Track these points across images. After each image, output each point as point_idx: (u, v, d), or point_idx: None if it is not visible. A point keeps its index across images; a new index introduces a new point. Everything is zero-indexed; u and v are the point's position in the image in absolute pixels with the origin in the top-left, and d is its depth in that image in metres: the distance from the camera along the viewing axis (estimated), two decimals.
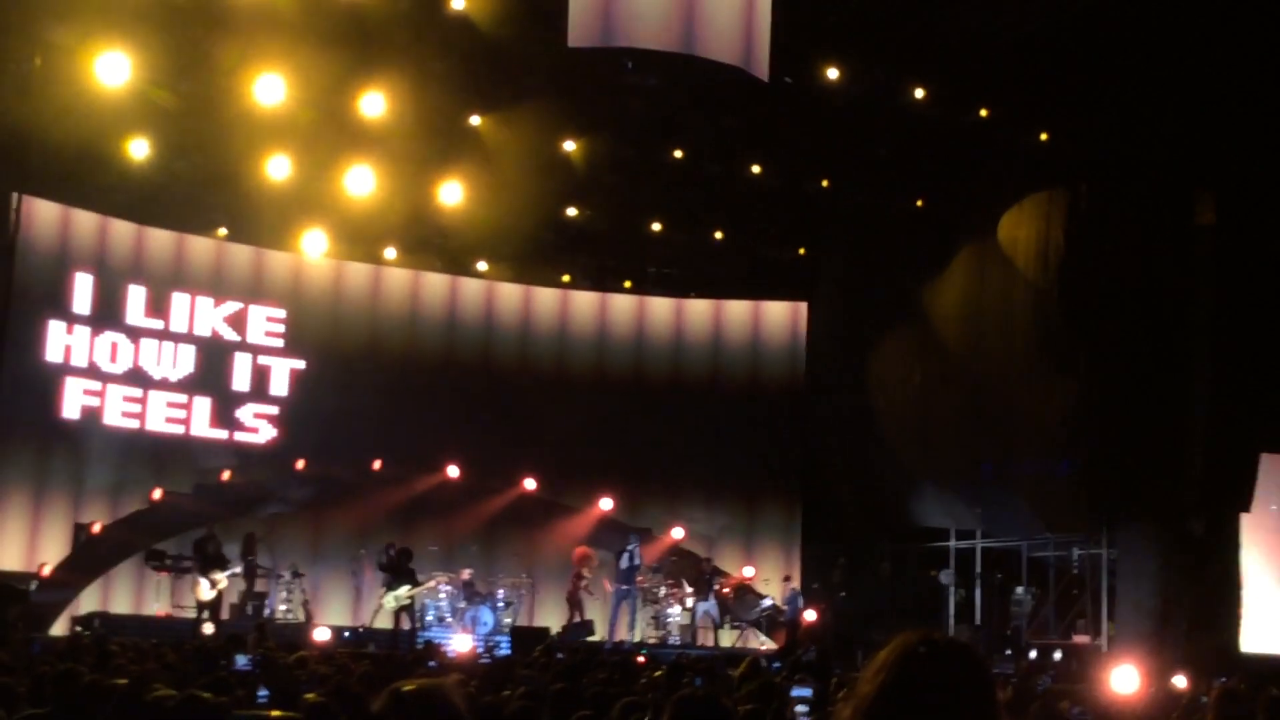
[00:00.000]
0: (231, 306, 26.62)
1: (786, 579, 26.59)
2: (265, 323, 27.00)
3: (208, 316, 26.41)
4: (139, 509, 24.56)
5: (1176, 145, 22.50)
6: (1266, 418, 22.32)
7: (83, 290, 24.96)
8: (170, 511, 24.51)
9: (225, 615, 22.81)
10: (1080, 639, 23.81)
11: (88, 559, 23.47)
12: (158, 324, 25.83)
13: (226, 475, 25.28)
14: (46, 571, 22.55)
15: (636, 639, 24.51)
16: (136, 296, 25.59)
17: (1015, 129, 24.94)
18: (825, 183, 27.06)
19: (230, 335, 26.59)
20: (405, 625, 23.13)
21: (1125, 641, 21.76)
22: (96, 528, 23.77)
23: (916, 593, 26.86)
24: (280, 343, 27.07)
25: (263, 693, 10.08)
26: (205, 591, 22.40)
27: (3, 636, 15.73)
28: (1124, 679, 13.42)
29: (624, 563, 24.66)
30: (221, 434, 26.25)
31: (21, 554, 23.52)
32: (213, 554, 22.80)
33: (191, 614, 22.17)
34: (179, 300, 26.03)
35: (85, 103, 21.68)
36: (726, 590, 25.82)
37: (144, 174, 23.93)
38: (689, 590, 25.68)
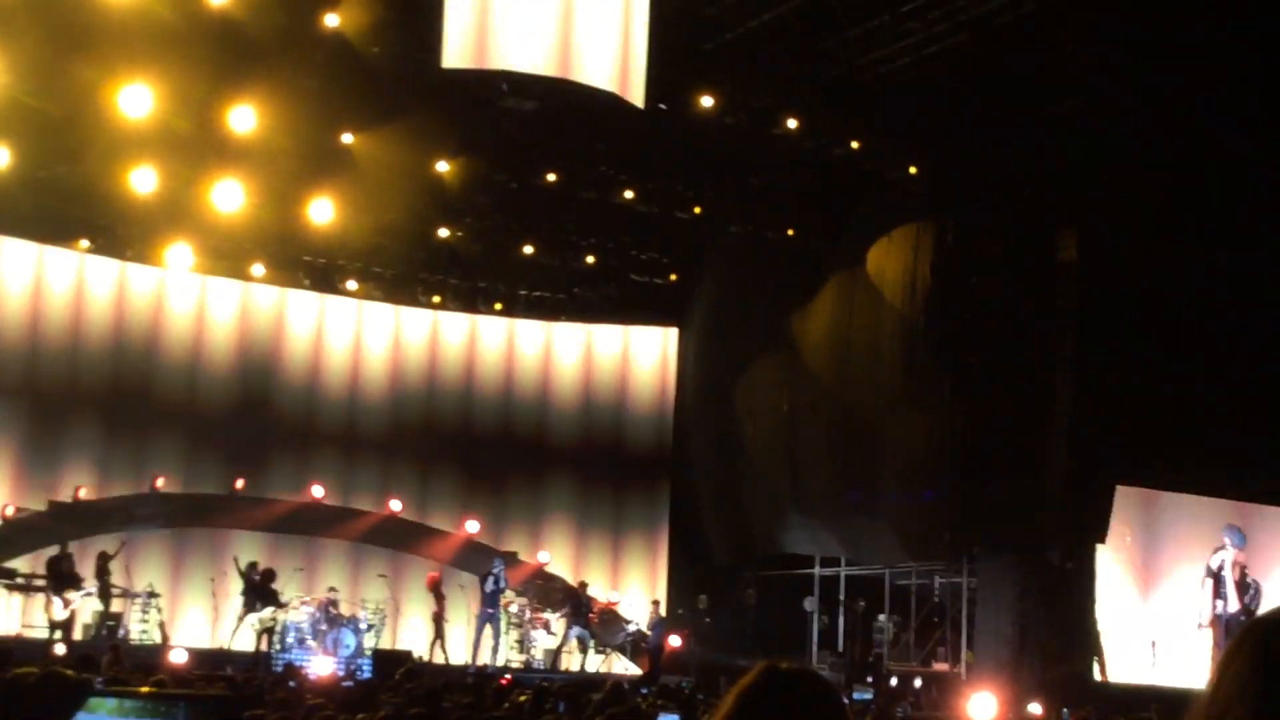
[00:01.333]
0: None
1: (655, 603, 26.61)
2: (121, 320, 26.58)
3: None
4: None
5: (1040, 182, 22.97)
6: (1123, 450, 22.83)
7: None
8: (23, 528, 23.89)
9: (78, 636, 22.26)
10: (940, 666, 24.10)
11: None
12: None
13: (82, 492, 24.70)
14: None
15: (500, 663, 24.37)
16: None
17: (885, 162, 25.31)
18: (698, 210, 27.20)
19: None
20: (265, 647, 22.77)
21: (984, 669, 22.05)
22: None
23: (781, 619, 26.98)
24: None
25: None
26: (58, 611, 21.85)
27: None
28: (981, 706, 13.61)
29: (489, 585, 24.50)
30: None
31: None
32: (66, 572, 22.25)
33: (43, 634, 21.60)
34: None
35: None
36: (593, 615, 25.79)
37: (4, 183, 23.33)
38: (554, 615, 25.63)
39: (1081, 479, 22.67)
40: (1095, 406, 22.63)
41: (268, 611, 22.84)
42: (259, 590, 22.99)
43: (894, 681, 23.26)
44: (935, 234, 24.07)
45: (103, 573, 23.08)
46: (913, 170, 25.34)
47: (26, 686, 1.55)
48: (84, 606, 22.79)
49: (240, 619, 23.05)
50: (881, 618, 25.79)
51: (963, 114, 22.78)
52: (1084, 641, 22.50)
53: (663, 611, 26.26)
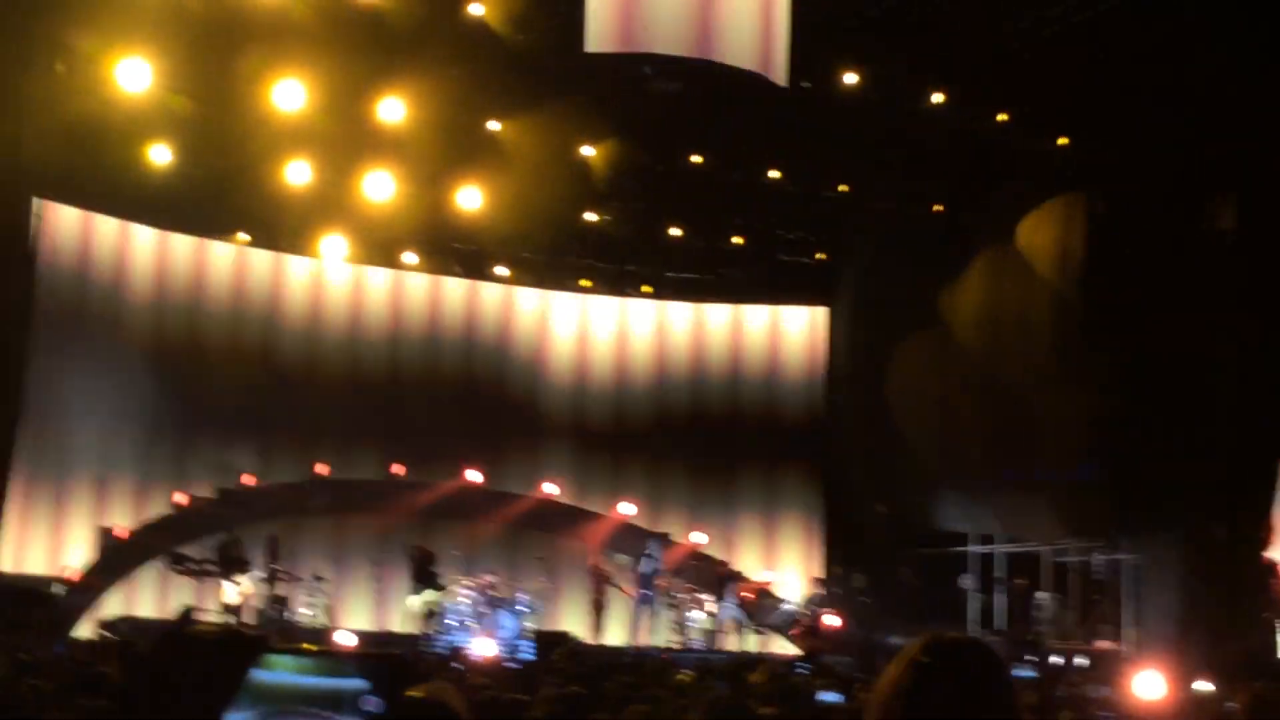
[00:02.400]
0: None
1: (816, 580, 26.41)
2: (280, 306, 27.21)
3: None
4: (163, 513, 24.64)
5: (1195, 149, 22.41)
6: None
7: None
8: (194, 515, 24.58)
9: (248, 619, 22.85)
10: (1103, 644, 23.68)
11: (112, 563, 23.54)
12: None
13: (248, 479, 25.32)
14: (71, 575, 22.62)
15: (657, 644, 24.50)
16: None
17: (1035, 134, 24.87)
18: (845, 188, 27.01)
19: None
20: (427, 629, 23.17)
21: (1149, 647, 21.66)
22: (121, 531, 23.85)
23: (938, 597, 26.73)
24: None
25: None
26: (229, 595, 22.46)
27: (26, 637, 15.78)
28: (1149, 684, 13.36)
29: (644, 567, 24.65)
30: None
31: (46, 558, 23.60)
32: (236, 558, 22.87)
33: (215, 618, 22.21)
34: None
35: (106, 109, 21.79)
36: (748, 595, 25.79)
37: (165, 179, 23.98)
38: (709, 595, 25.68)
39: (1246, 452, 22.12)
40: (1260, 377, 22.06)
41: (429, 595, 23.22)
42: (418, 574, 23.38)
43: (1056, 660, 22.93)
44: (1086, 205, 23.65)
45: (272, 556, 23.63)
46: (1062, 141, 24.89)
47: (206, 641, 1.63)
48: (254, 591, 23.36)
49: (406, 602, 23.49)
50: (1041, 595, 25.44)
51: (1112, 81, 22.32)
52: (1256, 618, 21.97)
53: (820, 590, 26.12)
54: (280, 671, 1.89)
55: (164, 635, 1.75)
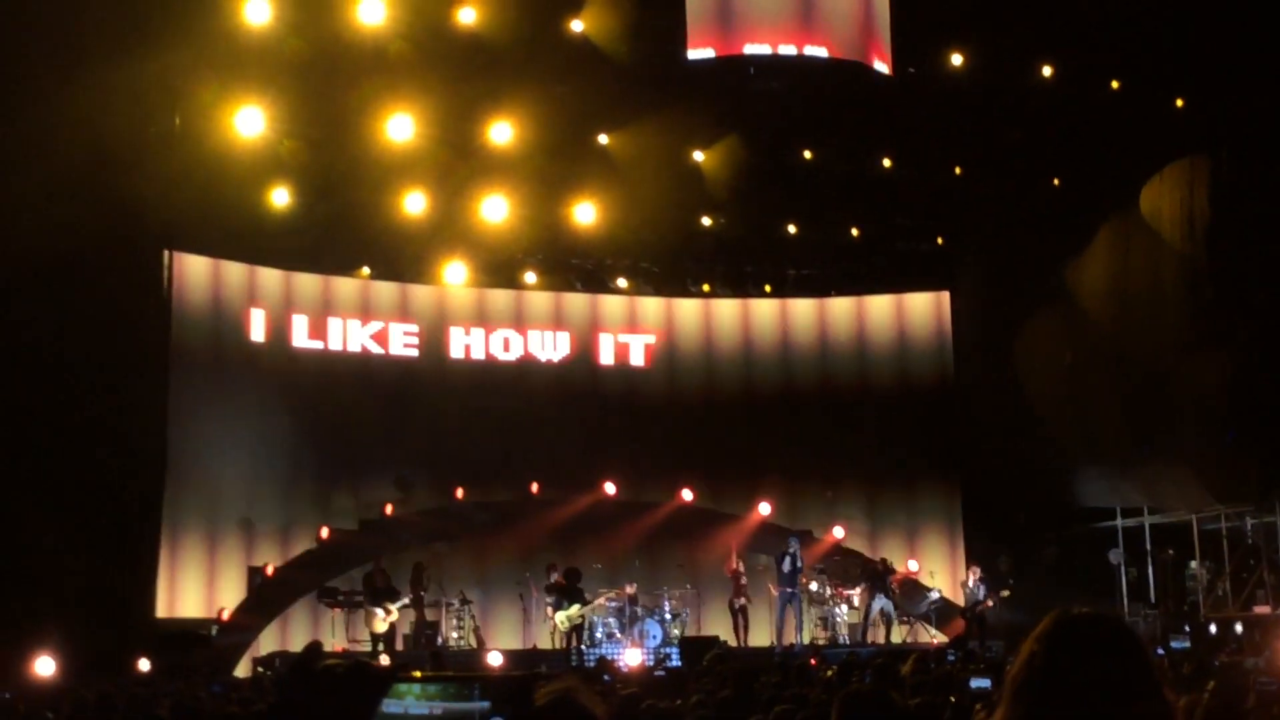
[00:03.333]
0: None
1: (972, 568, 25.93)
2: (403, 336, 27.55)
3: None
4: (308, 548, 25.11)
5: None
6: None
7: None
8: (338, 548, 25.01)
9: (400, 646, 23.18)
10: (1261, 610, 23.23)
11: (263, 600, 24.02)
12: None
13: (389, 509, 25.71)
14: (225, 615, 23.13)
15: (805, 641, 24.44)
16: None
17: (1149, 98, 24.47)
18: (958, 170, 26.79)
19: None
20: (575, 643, 23.34)
21: None
22: (269, 569, 24.33)
23: (1087, 575, 26.38)
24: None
25: None
26: (380, 624, 22.82)
27: (188, 680, 16.17)
28: None
29: (785, 565, 24.58)
30: None
31: (201, 600, 24.12)
32: (382, 587, 23.22)
33: (367, 647, 22.56)
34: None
35: (225, 156, 22.31)
36: (894, 586, 25.65)
37: (287, 221, 24.45)
38: (854, 589, 25.56)
39: None
40: None
41: (575, 609, 23.40)
42: (564, 589, 23.56)
43: (1213, 629, 22.54)
44: (1210, 167, 23.25)
45: (418, 583, 23.95)
46: (1179, 103, 24.47)
47: (337, 676, 1.70)
48: (402, 618, 23.71)
49: (550, 618, 23.68)
50: (1193, 565, 25.03)
51: (1225, 38, 21.91)
52: None
53: (979, 574, 25.45)
54: (408, 699, 1.96)
55: (291, 670, 1.83)
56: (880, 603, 25.16)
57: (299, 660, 1.85)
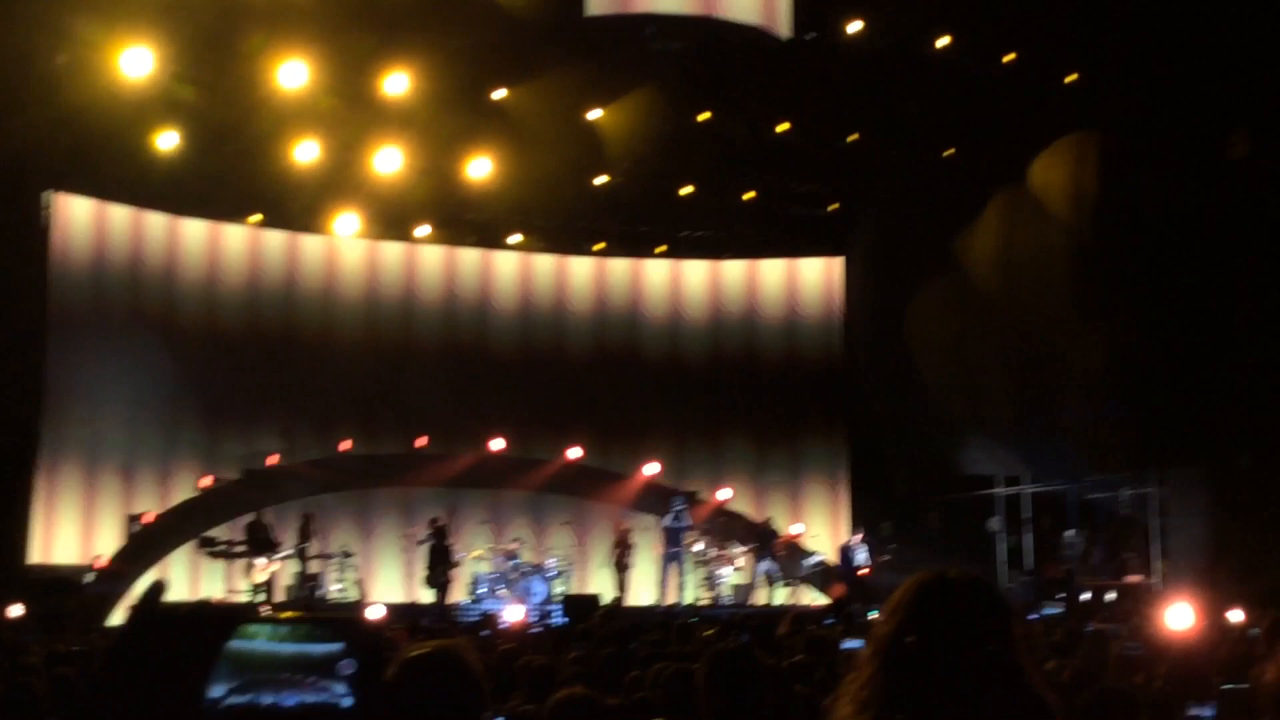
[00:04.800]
0: None
1: (860, 530, 26.03)
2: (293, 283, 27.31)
3: None
4: (189, 497, 24.81)
5: (1205, 80, 22.25)
6: None
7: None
8: (220, 497, 24.75)
9: (280, 597, 23.01)
10: (1133, 579, 23.71)
11: (141, 548, 23.72)
12: None
13: (274, 459, 25.45)
14: (102, 563, 22.81)
15: (688, 601, 24.60)
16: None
17: (1043, 73, 24.70)
18: (854, 137, 26.90)
19: None
20: (459, 598, 23.31)
21: (1178, 579, 21.68)
22: (149, 517, 24.03)
23: (967, 541, 26.76)
24: None
25: None
26: (259, 575, 22.61)
27: (61, 628, 15.93)
28: (1179, 616, 13.36)
29: (670, 525, 24.71)
30: None
31: (78, 548, 23.78)
32: (264, 538, 23.01)
33: (245, 598, 22.36)
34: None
35: (111, 97, 21.84)
36: (777, 549, 25.87)
37: (174, 165, 24.03)
38: (738, 551, 25.75)
39: (1268, 382, 22.05)
40: (1278, 305, 21.97)
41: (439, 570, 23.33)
42: (435, 549, 23.44)
43: (1085, 596, 22.97)
44: (1098, 143, 23.53)
45: (304, 534, 23.75)
46: (1070, 78, 24.72)
47: (179, 617, 1.66)
48: (283, 569, 23.52)
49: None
50: (1069, 533, 25.46)
51: (1119, 15, 22.16)
52: None
53: (859, 538, 25.55)
54: (258, 641, 1.92)
55: (132, 612, 1.78)
56: (764, 565, 25.40)
57: (139, 602, 1.80)
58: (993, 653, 2.82)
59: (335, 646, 1.94)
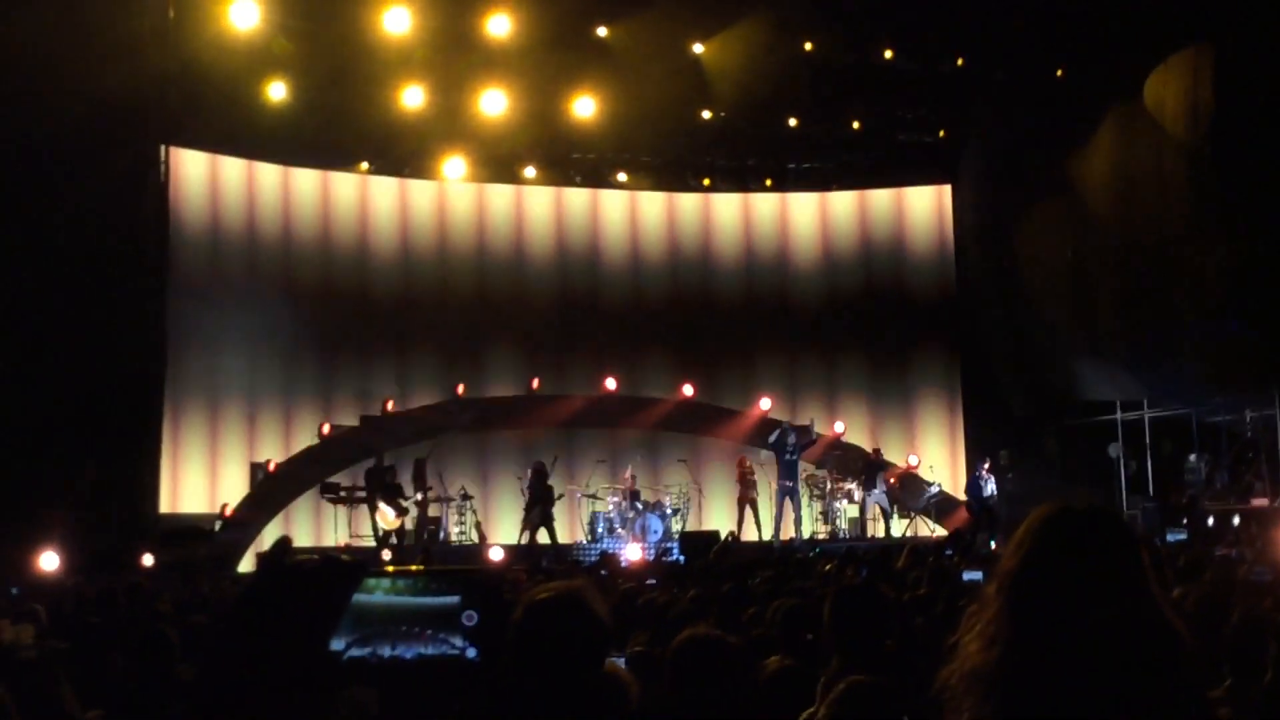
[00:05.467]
0: None
1: (988, 460, 25.62)
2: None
3: None
4: (310, 444, 25.21)
5: None
6: None
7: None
8: (339, 444, 25.12)
9: (402, 543, 23.30)
10: (1259, 502, 23.29)
11: (265, 496, 24.17)
12: None
13: (390, 405, 25.75)
14: (228, 511, 23.27)
15: (805, 535, 24.59)
16: None
17: None
18: (960, 61, 26.50)
19: None
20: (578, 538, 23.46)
21: None
22: (271, 465, 24.46)
23: (1087, 468, 26.45)
24: None
25: None
26: (390, 519, 22.84)
27: (192, 576, 16.29)
28: None
29: (784, 459, 24.66)
30: None
31: (203, 496, 24.25)
32: (387, 482, 23.28)
33: (369, 543, 22.69)
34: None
35: (220, 49, 22.10)
36: (893, 480, 25.75)
37: (283, 115, 24.27)
38: (854, 483, 25.66)
39: None
40: None
41: (535, 511, 23.37)
42: (536, 491, 23.51)
43: (1210, 521, 22.63)
44: (1215, 55, 22.96)
45: (420, 479, 24.03)
46: None
47: (306, 571, 1.68)
48: (404, 515, 23.82)
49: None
50: (1192, 458, 25.07)
51: None
52: None
53: (985, 469, 25.21)
54: (380, 594, 1.95)
55: (260, 566, 1.81)
56: (875, 496, 25.28)
57: (267, 556, 1.83)
58: (1122, 585, 2.78)
59: (456, 599, 1.96)
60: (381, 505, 22.93)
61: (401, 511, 22.87)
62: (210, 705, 1.74)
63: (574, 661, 3.27)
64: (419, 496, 23.66)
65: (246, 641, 1.78)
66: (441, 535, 23.89)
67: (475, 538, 24.16)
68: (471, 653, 1.91)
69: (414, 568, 2.00)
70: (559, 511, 23.93)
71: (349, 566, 1.85)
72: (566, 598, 3.33)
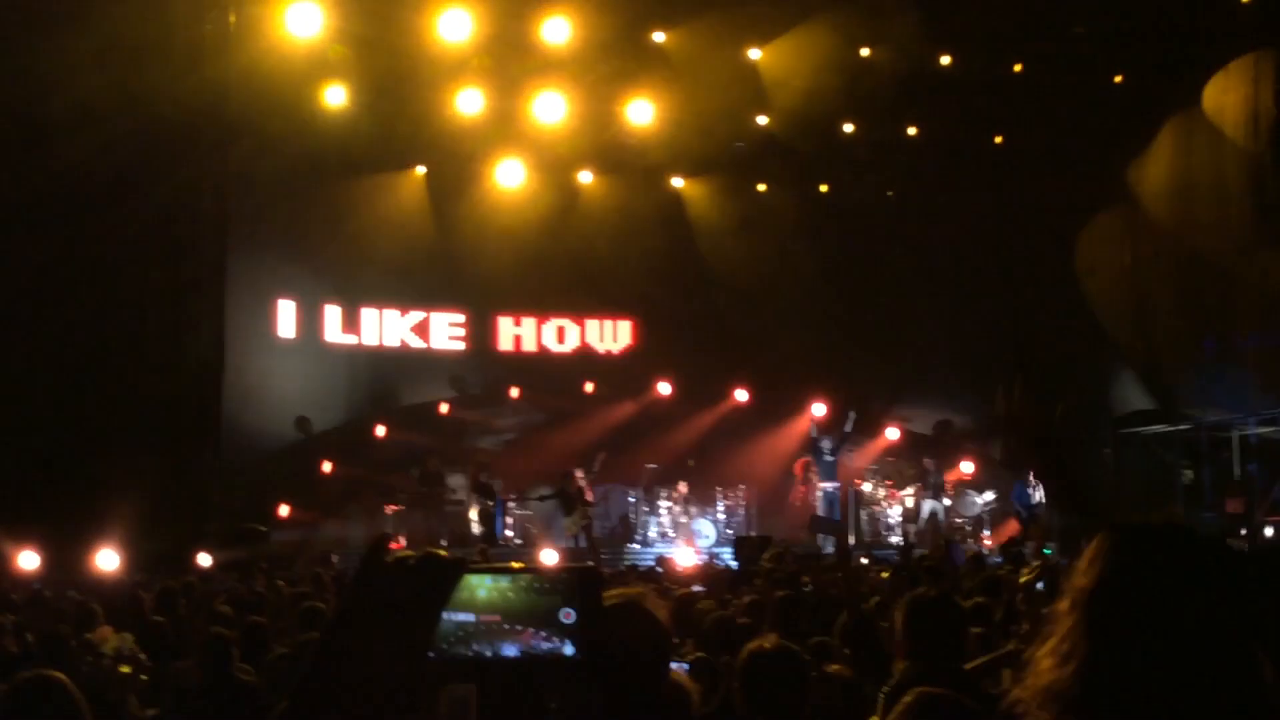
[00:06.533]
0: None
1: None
2: None
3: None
4: (363, 446, 25.35)
5: None
6: None
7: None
8: (393, 446, 25.22)
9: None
10: None
11: (320, 499, 24.27)
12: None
13: (445, 409, 25.85)
14: (284, 513, 23.38)
15: (852, 541, 24.48)
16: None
17: None
18: (1018, 67, 26.32)
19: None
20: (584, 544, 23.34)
21: None
22: (327, 467, 24.57)
23: (1144, 477, 26.24)
24: None
25: None
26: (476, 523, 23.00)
27: (249, 576, 16.37)
28: None
29: (825, 462, 24.54)
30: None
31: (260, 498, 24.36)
32: (436, 485, 23.34)
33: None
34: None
35: (280, 55, 22.25)
36: (946, 489, 25.63)
37: (343, 119, 24.36)
38: (908, 490, 25.56)
39: None
40: None
41: (576, 515, 23.40)
42: (566, 497, 23.52)
43: (1269, 532, 22.42)
44: (1276, 62, 22.79)
45: (476, 482, 24.03)
46: None
47: (409, 567, 1.70)
48: (459, 514, 23.92)
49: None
50: (1250, 467, 24.83)
51: None
52: None
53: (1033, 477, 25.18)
54: (477, 591, 1.97)
55: (363, 562, 1.83)
56: (930, 504, 25.16)
57: (369, 551, 1.85)
58: (1204, 605, 2.71)
59: (555, 596, 1.98)
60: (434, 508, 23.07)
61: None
62: (311, 702, 1.75)
63: (639, 669, 3.29)
64: (467, 498, 23.75)
65: (349, 639, 1.79)
66: (497, 537, 23.87)
67: (524, 540, 24.21)
68: (569, 650, 1.93)
69: (514, 565, 2.02)
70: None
71: (451, 563, 1.86)
72: (630, 606, 3.35)
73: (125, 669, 8.45)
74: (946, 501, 25.29)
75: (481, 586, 1.97)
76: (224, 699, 8.27)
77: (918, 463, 26.20)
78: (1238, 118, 23.52)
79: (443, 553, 1.87)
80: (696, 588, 13.52)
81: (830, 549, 21.13)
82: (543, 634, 1.93)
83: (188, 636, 10.51)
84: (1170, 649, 2.64)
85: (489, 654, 1.96)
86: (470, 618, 1.96)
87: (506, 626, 1.96)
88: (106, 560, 17.23)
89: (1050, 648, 2.76)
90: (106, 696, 8.01)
